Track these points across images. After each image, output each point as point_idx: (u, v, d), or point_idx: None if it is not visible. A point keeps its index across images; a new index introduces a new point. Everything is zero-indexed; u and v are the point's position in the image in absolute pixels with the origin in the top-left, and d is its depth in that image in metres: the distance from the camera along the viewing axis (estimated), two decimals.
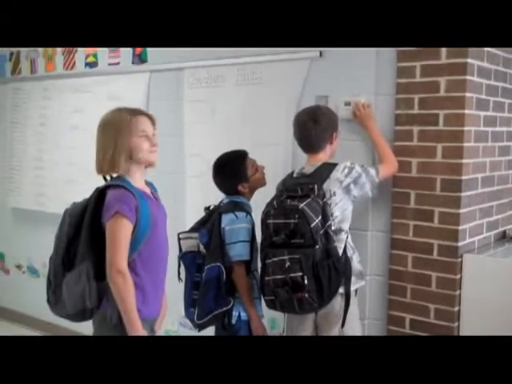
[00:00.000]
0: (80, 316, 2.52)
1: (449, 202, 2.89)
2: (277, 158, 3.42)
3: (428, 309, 2.97)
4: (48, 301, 2.56)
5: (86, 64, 4.61)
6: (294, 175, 2.95)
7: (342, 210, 2.83)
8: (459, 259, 2.90)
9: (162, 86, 4.09)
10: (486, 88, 3.00)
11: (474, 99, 2.91)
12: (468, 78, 2.83)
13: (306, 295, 2.63)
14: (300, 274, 2.61)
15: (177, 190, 3.92)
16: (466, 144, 2.86)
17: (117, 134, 2.48)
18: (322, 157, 2.92)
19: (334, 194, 2.80)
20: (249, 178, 3.02)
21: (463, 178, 2.87)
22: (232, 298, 2.89)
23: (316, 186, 2.72)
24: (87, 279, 2.41)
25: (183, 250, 2.98)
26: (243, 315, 2.94)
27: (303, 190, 2.72)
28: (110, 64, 4.43)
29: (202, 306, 2.85)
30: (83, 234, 2.46)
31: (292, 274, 2.62)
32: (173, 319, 3.84)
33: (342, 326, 2.79)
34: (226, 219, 2.93)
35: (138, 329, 2.41)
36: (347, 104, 3.13)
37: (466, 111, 2.84)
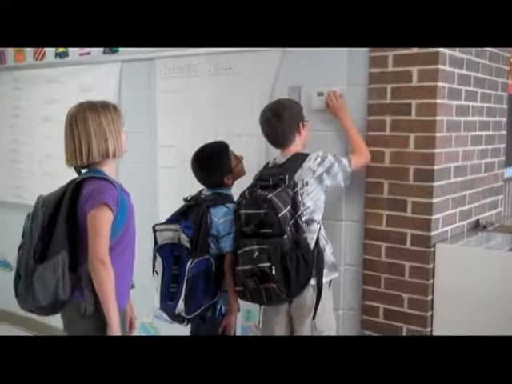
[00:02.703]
0: (50, 308, 2.49)
1: (422, 192, 2.89)
2: (250, 148, 3.40)
3: (401, 298, 2.98)
4: (17, 294, 2.51)
5: (57, 54, 4.54)
6: (269, 165, 2.94)
7: (314, 200, 2.81)
8: (432, 249, 2.91)
9: (133, 76, 4.04)
10: (458, 77, 3.00)
11: (446, 89, 2.90)
12: (440, 67, 2.83)
13: (274, 286, 2.62)
14: (268, 264, 2.61)
15: (150, 182, 3.89)
16: (438, 134, 2.86)
17: (110, 125, 2.52)
18: (294, 148, 2.91)
19: (307, 183, 2.79)
20: (232, 169, 3.01)
21: (436, 167, 2.87)
22: (218, 290, 2.89)
23: (287, 176, 2.71)
24: (62, 271, 2.40)
25: (159, 242, 2.92)
26: (224, 309, 2.94)
27: (274, 179, 2.72)
28: (80, 54, 4.36)
29: (191, 300, 2.79)
30: (59, 224, 2.44)
31: (260, 264, 2.62)
32: (147, 312, 3.81)
33: (314, 317, 2.78)
34: (219, 212, 2.90)
35: (115, 318, 2.43)
36: (320, 94, 3.12)
37: (438, 101, 2.84)
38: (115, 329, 2.43)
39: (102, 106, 2.55)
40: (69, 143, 2.53)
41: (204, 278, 2.82)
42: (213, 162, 3.01)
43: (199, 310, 2.83)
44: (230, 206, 2.92)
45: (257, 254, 2.63)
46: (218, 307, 2.92)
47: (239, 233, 2.75)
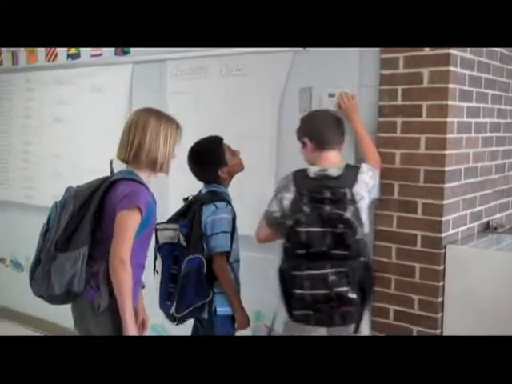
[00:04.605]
0: (63, 298, 2.53)
1: (432, 193, 2.89)
2: (262, 150, 3.41)
3: (412, 300, 2.97)
4: (32, 279, 2.56)
5: (69, 55, 4.57)
6: (312, 175, 2.71)
7: (366, 214, 2.71)
8: (443, 250, 2.90)
9: (144, 77, 4.06)
10: (469, 79, 3.00)
11: (457, 90, 2.90)
12: (451, 69, 2.83)
13: (352, 309, 2.51)
14: (347, 288, 2.47)
15: (161, 183, 3.89)
16: (449, 135, 2.86)
17: (166, 138, 2.62)
18: (334, 157, 2.80)
19: (363, 197, 2.68)
20: (227, 162, 3.00)
21: (446, 169, 2.87)
22: (211, 290, 2.87)
23: (348, 191, 2.60)
24: (81, 264, 2.45)
25: (160, 241, 2.94)
26: (219, 310, 2.92)
27: (335, 194, 2.57)
28: (92, 55, 4.39)
29: (181, 299, 2.81)
30: (86, 219, 2.51)
31: (338, 289, 2.46)
32: (157, 313, 3.82)
33: (356, 330, 2.62)
34: (207, 210, 2.90)
35: (130, 316, 2.47)
36: (331, 96, 3.12)
37: (450, 102, 2.84)
38: (130, 327, 2.46)
39: (167, 118, 2.67)
40: (124, 138, 2.62)
41: (195, 277, 2.81)
42: (206, 155, 3.01)
43: (189, 310, 2.82)
44: (220, 204, 2.91)
45: (333, 277, 2.46)
46: (213, 308, 2.91)
47: (298, 252, 2.52)
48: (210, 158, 3.00)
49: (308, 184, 2.66)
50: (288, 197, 2.67)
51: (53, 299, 2.55)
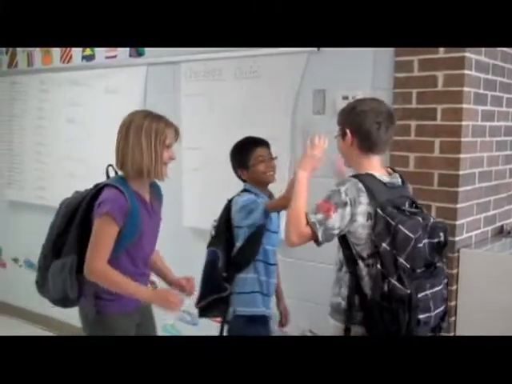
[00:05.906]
0: (62, 303, 2.56)
1: (446, 197, 2.88)
2: (275, 152, 3.39)
3: None
4: (36, 282, 2.61)
5: (83, 57, 4.60)
6: (386, 183, 2.31)
7: None
8: (456, 254, 2.89)
9: (159, 79, 4.08)
10: (483, 82, 2.99)
11: (472, 93, 2.89)
12: (466, 72, 2.82)
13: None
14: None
15: (174, 184, 3.90)
16: (463, 139, 2.85)
17: (151, 143, 2.43)
18: (380, 163, 2.42)
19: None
20: (248, 165, 2.94)
21: (461, 172, 2.86)
22: (227, 285, 2.87)
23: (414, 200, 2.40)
24: (69, 272, 2.42)
25: None
26: (239, 310, 2.91)
27: (413, 205, 2.34)
28: (107, 57, 4.42)
29: (200, 290, 2.89)
30: (74, 227, 2.48)
31: (445, 303, 2.30)
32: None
33: None
34: (235, 203, 2.88)
35: (146, 293, 2.46)
36: (345, 98, 3.12)
37: (464, 106, 2.83)
38: (162, 302, 2.41)
39: (152, 118, 2.47)
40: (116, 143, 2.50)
41: (209, 269, 2.88)
42: (233, 149, 3.02)
43: (205, 301, 2.88)
44: (244, 194, 2.90)
45: (444, 291, 2.28)
46: (231, 310, 2.91)
47: (414, 272, 2.19)
48: (233, 153, 3.01)
49: (388, 194, 2.27)
50: (362, 211, 2.21)
51: (54, 302, 2.59)
